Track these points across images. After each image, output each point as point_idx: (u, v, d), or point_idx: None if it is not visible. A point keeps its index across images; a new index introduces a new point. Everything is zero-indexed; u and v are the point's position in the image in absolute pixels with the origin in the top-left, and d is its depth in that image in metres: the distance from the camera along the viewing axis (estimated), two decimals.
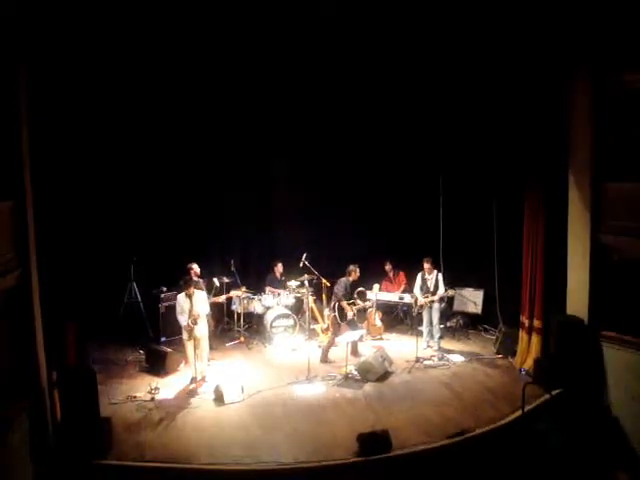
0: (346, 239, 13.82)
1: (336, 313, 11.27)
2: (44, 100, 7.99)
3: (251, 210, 13.65)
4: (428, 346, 12.00)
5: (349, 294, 11.42)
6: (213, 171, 12.95)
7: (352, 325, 11.37)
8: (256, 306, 12.83)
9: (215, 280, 12.04)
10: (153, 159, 12.33)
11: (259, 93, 11.63)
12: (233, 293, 12.44)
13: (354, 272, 11.44)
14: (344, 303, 11.22)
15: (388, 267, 13.75)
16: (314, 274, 12.22)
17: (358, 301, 11.55)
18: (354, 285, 11.59)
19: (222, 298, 11.93)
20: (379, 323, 12.92)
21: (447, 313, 13.03)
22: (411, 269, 12.78)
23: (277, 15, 9.49)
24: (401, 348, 12.14)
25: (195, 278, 11.17)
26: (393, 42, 10.23)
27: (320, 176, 13.66)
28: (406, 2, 9.51)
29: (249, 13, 9.42)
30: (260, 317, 12.90)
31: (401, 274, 13.68)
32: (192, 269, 11.40)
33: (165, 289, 12.34)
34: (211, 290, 11.87)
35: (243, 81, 11.21)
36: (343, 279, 11.43)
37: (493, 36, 9.89)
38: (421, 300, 11.80)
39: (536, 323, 10.81)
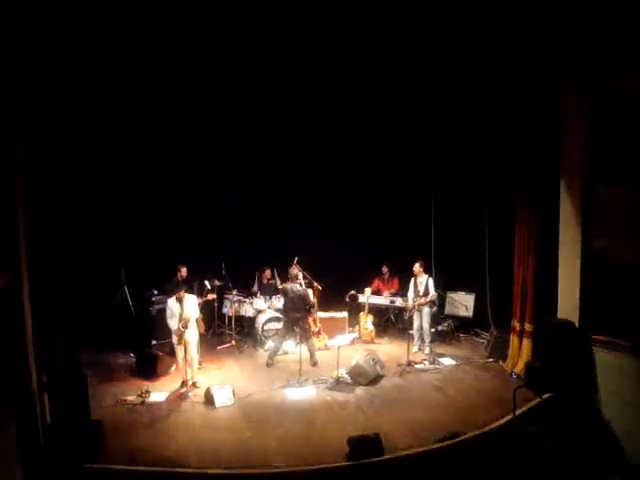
0: (339, 244, 13.81)
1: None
2: (37, 102, 7.93)
3: (245, 212, 13.64)
4: (419, 350, 12.01)
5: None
6: (205, 173, 12.90)
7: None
8: (247, 309, 12.81)
9: (206, 283, 12.01)
10: (144, 162, 12.27)
11: (257, 96, 11.56)
12: (210, 297, 12.27)
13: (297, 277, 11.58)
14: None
15: (385, 269, 13.81)
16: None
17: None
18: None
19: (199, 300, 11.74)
20: (370, 327, 12.92)
21: (438, 317, 13.05)
22: (405, 274, 12.78)
23: (277, 15, 9.51)
24: (392, 352, 12.16)
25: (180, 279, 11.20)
26: (385, 51, 10.22)
27: (315, 179, 13.68)
28: (399, 10, 9.54)
29: (250, 13, 9.41)
30: (251, 320, 12.88)
31: (395, 279, 13.69)
32: (180, 270, 11.44)
33: (156, 292, 12.31)
34: (202, 292, 11.85)
35: (241, 83, 11.13)
36: (301, 289, 11.47)
37: (485, 36, 9.84)
38: (410, 303, 11.83)
39: (527, 327, 10.83)
